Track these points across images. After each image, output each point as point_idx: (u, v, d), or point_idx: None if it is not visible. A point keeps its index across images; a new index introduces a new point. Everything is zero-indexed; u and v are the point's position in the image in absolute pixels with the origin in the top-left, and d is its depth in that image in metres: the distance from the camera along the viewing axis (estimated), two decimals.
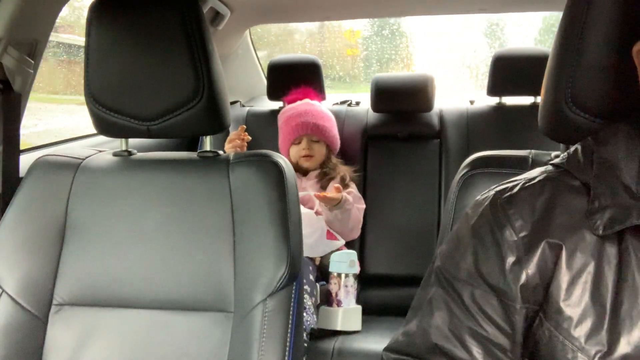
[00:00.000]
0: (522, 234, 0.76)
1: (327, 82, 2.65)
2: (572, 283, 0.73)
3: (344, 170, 2.24)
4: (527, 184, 0.79)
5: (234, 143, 2.17)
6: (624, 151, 0.75)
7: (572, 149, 0.81)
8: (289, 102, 2.39)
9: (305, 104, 2.31)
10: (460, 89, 3.62)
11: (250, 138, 2.20)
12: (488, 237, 0.78)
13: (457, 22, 3.60)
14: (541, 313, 0.75)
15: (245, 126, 2.22)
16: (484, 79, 2.46)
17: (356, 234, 2.19)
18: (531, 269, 0.74)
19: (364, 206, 2.21)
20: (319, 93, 2.46)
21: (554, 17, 3.11)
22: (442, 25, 3.68)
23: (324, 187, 2.17)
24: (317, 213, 2.10)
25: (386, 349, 0.84)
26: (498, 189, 0.81)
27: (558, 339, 0.73)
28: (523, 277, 0.74)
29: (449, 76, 3.67)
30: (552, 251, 0.74)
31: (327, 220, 2.08)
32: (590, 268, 0.72)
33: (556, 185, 0.78)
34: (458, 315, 0.77)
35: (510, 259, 0.75)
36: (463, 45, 3.58)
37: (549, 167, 0.82)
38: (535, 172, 0.82)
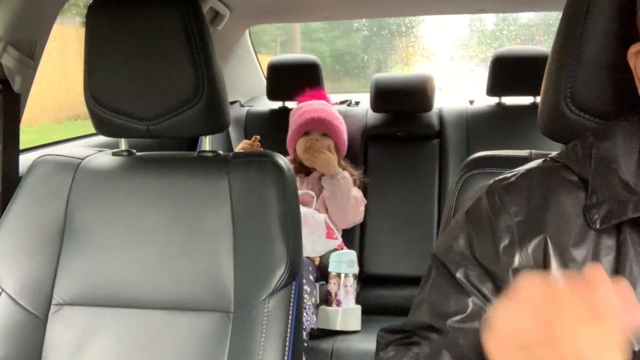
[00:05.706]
0: (517, 219, 0.76)
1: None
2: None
3: (351, 171, 2.25)
4: (526, 174, 0.80)
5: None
6: (622, 147, 0.75)
7: (571, 143, 0.81)
8: (301, 102, 2.41)
9: (321, 104, 2.34)
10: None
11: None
12: (484, 222, 0.78)
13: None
14: None
15: (259, 137, 2.23)
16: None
17: (353, 218, 2.19)
18: (525, 254, 0.74)
19: (364, 202, 2.23)
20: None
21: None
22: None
23: None
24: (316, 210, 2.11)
25: (381, 330, 0.85)
26: (496, 178, 0.82)
27: None
28: (516, 261, 0.74)
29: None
30: (548, 245, 0.74)
31: (325, 199, 2.10)
32: (587, 261, 0.72)
33: (554, 178, 0.78)
34: (451, 294, 0.77)
35: (505, 242, 0.75)
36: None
37: (548, 160, 0.82)
38: (534, 164, 0.82)
